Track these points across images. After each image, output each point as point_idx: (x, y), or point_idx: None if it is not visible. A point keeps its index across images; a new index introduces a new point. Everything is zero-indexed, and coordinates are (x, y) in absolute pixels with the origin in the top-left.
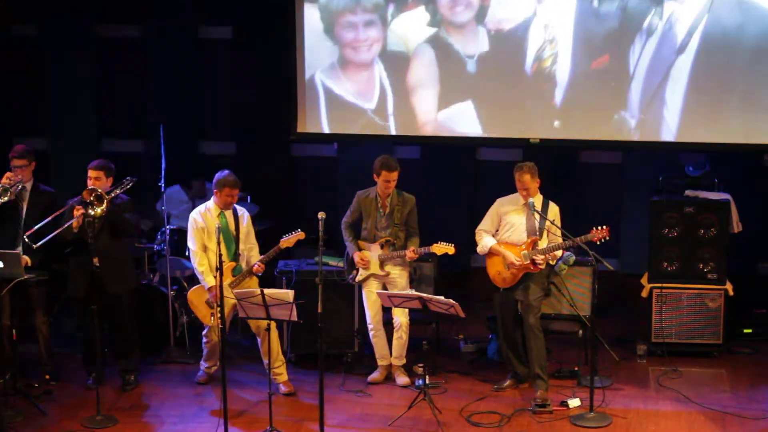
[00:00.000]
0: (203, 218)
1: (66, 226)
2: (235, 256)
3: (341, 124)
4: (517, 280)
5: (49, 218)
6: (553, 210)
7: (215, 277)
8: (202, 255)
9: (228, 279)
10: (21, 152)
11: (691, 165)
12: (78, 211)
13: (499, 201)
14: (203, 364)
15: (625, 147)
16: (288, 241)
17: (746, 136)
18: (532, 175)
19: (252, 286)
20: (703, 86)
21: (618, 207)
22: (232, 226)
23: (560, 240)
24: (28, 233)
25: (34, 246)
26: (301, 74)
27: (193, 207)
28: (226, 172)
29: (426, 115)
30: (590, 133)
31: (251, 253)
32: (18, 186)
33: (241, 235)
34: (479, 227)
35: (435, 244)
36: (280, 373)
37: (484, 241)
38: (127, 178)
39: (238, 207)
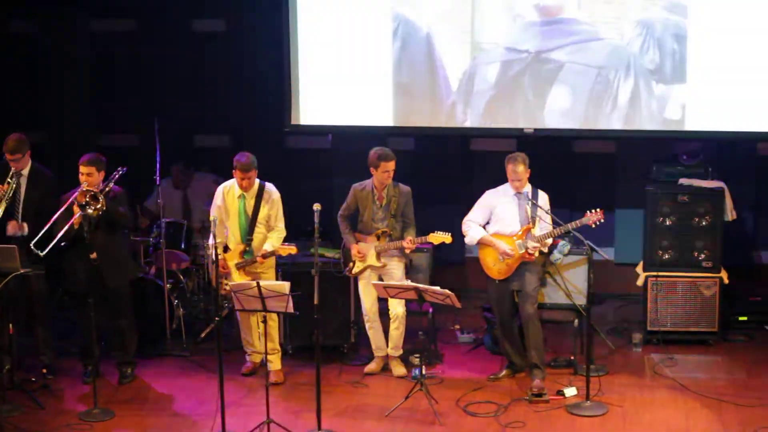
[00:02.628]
0: (223, 196)
1: (67, 227)
2: (247, 240)
3: (337, 111)
4: (512, 270)
5: (49, 223)
6: (543, 198)
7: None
8: (220, 229)
9: (236, 260)
10: (13, 148)
11: (685, 154)
12: (77, 210)
13: (488, 193)
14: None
15: (619, 136)
16: (284, 249)
17: (743, 120)
18: (525, 166)
19: (266, 269)
20: (701, 70)
21: (612, 196)
22: (249, 209)
23: (552, 227)
24: (33, 242)
25: (41, 254)
26: (295, 61)
27: (184, 196)
28: (244, 154)
29: (421, 102)
30: (586, 120)
31: (271, 236)
32: (11, 192)
33: (260, 218)
34: (467, 218)
35: (432, 234)
36: (272, 361)
37: (473, 232)
38: (118, 169)
39: (268, 187)
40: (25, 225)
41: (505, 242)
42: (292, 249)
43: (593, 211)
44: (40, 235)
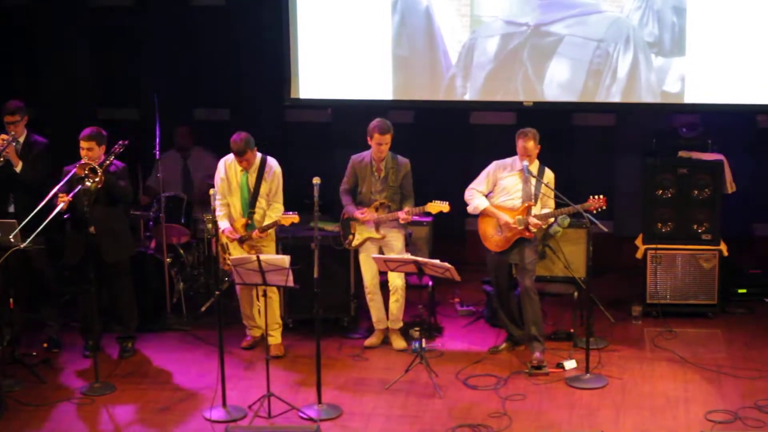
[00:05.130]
0: (226, 169)
1: (54, 214)
2: (249, 213)
3: (337, 85)
4: (509, 243)
5: (40, 206)
6: (548, 176)
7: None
8: (221, 201)
9: (240, 233)
10: (12, 108)
11: (684, 126)
12: (62, 200)
13: (495, 164)
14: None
15: (618, 109)
16: (286, 218)
17: (742, 93)
18: (535, 142)
19: (267, 243)
20: (700, 43)
21: (612, 169)
22: (251, 184)
23: (554, 207)
24: (20, 226)
25: (22, 246)
26: (295, 35)
27: (185, 166)
28: (236, 138)
29: (420, 75)
30: (585, 93)
31: (269, 211)
32: (11, 144)
33: (262, 193)
34: (472, 185)
35: (429, 203)
36: (273, 335)
37: (477, 201)
38: (119, 142)
39: (270, 161)
40: (20, 161)
41: (506, 215)
42: (294, 218)
43: (596, 197)
44: (25, 222)
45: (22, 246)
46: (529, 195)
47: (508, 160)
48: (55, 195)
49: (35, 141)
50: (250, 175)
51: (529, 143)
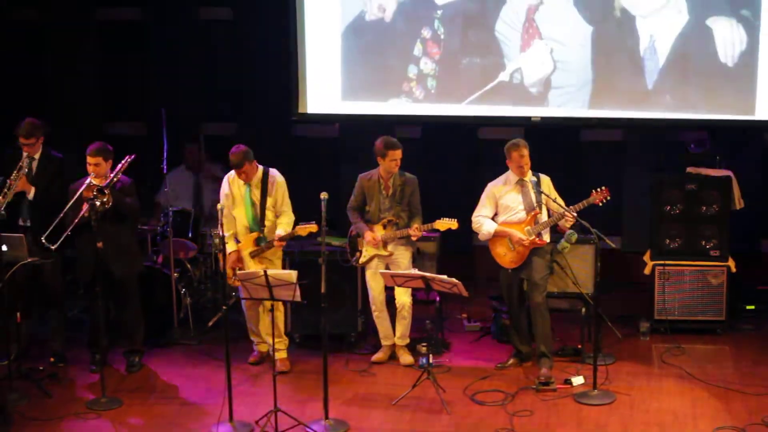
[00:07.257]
0: (229, 184)
1: (77, 220)
2: (259, 227)
3: (346, 96)
4: (524, 258)
5: (60, 215)
6: (545, 182)
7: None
8: (229, 219)
9: (250, 248)
10: (28, 130)
11: (693, 142)
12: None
13: (491, 185)
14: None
15: (626, 125)
16: (304, 228)
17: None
18: (528, 150)
19: (274, 257)
20: (703, 62)
21: (620, 185)
22: (256, 197)
23: (560, 209)
24: (44, 236)
25: (53, 247)
26: (302, 49)
27: (197, 182)
28: (235, 150)
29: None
30: (593, 108)
31: (278, 221)
32: (22, 174)
33: (268, 205)
34: (476, 214)
35: (438, 220)
36: (278, 349)
37: (486, 227)
38: (126, 158)
39: (272, 173)
40: (33, 187)
41: (517, 232)
42: (312, 227)
43: (599, 189)
44: (51, 228)
45: (29, 260)
46: (532, 204)
47: (501, 177)
48: (67, 213)
49: (52, 157)
50: (254, 189)
51: (525, 152)
